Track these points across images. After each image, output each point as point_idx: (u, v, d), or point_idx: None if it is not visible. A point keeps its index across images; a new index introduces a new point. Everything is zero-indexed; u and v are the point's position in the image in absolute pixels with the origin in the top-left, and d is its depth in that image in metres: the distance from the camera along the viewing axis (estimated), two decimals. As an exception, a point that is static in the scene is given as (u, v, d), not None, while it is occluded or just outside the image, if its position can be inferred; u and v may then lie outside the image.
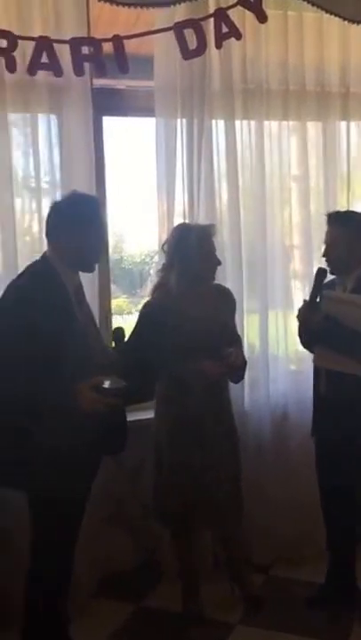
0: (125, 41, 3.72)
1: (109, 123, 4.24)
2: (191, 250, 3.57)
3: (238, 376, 3.77)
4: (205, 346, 3.53)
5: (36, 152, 3.82)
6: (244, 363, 3.73)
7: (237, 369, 3.66)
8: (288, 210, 4.35)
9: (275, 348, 4.26)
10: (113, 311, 4.41)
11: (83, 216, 3.08)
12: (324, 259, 3.72)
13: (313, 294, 3.61)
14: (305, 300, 3.67)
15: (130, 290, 4.99)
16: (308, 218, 4.37)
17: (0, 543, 3.74)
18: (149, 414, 3.82)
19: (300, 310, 3.68)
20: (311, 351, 3.85)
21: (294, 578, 4.19)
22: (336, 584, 3.90)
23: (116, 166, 4.36)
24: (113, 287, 4.74)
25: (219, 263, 3.70)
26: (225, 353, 3.53)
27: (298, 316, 3.70)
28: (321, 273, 3.63)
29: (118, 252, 5.02)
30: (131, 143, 4.54)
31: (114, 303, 4.55)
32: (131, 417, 3.65)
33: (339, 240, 3.64)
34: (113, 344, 3.36)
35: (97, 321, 3.61)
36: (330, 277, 3.71)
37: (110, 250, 4.36)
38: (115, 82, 4.11)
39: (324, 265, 3.70)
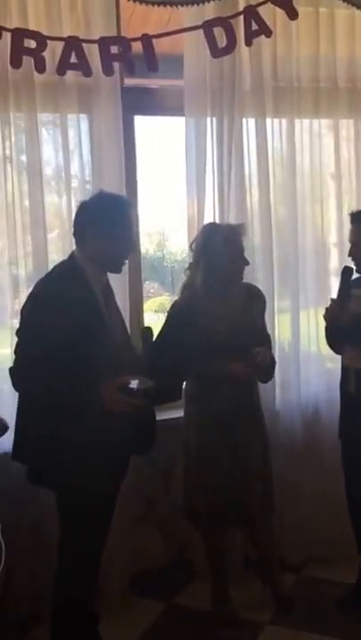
0: (158, 41, 3.74)
1: (142, 122, 4.25)
2: (217, 250, 3.55)
3: (267, 375, 3.75)
4: (232, 345, 3.51)
5: (67, 152, 3.84)
6: (273, 362, 3.72)
7: (265, 368, 3.64)
8: (320, 208, 4.30)
9: (306, 347, 4.22)
10: (156, 309, 4.42)
11: (109, 216, 3.08)
12: (350, 258, 3.70)
13: (341, 293, 3.59)
14: (332, 300, 3.64)
15: (172, 288, 4.99)
16: (340, 216, 4.32)
17: (31, 540, 3.79)
18: (181, 413, 3.82)
19: (328, 310, 3.65)
20: (336, 352, 3.84)
21: (326, 578, 4.15)
22: None
23: (149, 165, 4.37)
24: (156, 285, 4.75)
25: (246, 263, 3.67)
26: (252, 353, 3.52)
27: (325, 316, 3.68)
28: (347, 271, 3.60)
29: (161, 250, 5.03)
30: (163, 142, 4.54)
31: (157, 301, 4.56)
32: (163, 416, 3.69)
33: None
34: (141, 344, 3.36)
35: (127, 321, 3.63)
36: (356, 276, 3.68)
37: (153, 248, 4.36)
38: (147, 81, 4.12)
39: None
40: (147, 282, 4.95)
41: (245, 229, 3.74)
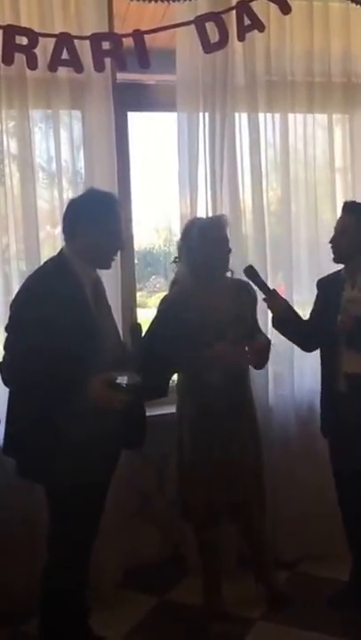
0: (153, 36, 3.75)
1: (135, 118, 4.25)
2: (193, 241, 3.57)
3: (262, 362, 3.75)
4: (221, 338, 3.51)
5: (59, 148, 3.85)
6: (268, 342, 3.74)
7: (261, 352, 3.66)
8: (314, 204, 4.28)
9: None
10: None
11: (98, 213, 3.09)
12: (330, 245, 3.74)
13: (262, 289, 3.73)
14: (263, 299, 3.75)
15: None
16: (334, 211, 4.26)
17: (26, 535, 3.81)
18: (174, 409, 3.80)
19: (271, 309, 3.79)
20: (292, 340, 3.97)
21: (320, 575, 4.14)
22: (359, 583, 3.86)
23: (145, 161, 4.38)
24: (162, 280, 4.76)
25: (229, 251, 3.66)
26: (256, 340, 3.61)
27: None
28: (249, 271, 3.71)
29: (167, 246, 5.03)
30: (157, 138, 4.55)
31: (163, 296, 4.57)
32: (157, 411, 3.72)
33: (346, 229, 3.64)
34: (130, 339, 3.37)
35: (119, 317, 3.64)
36: (336, 268, 3.75)
37: (160, 243, 4.37)
38: (139, 77, 4.12)
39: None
40: (153, 277, 4.97)
41: (225, 221, 3.72)
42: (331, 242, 3.71)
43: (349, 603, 3.82)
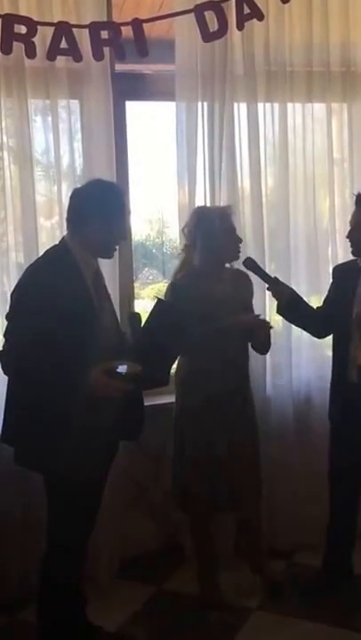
0: (152, 25, 3.74)
1: (134, 107, 4.24)
2: (213, 226, 3.60)
3: (266, 345, 3.78)
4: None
5: (57, 137, 3.83)
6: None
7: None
8: (312, 194, 4.26)
9: (298, 332, 4.18)
10: (155, 295, 4.44)
11: (106, 205, 3.07)
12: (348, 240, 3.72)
13: (264, 278, 3.77)
14: (267, 288, 3.78)
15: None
16: (333, 201, 4.28)
17: (21, 524, 3.81)
18: (171, 399, 3.83)
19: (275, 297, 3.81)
20: (301, 327, 4.00)
21: (317, 565, 4.08)
22: (333, 570, 3.90)
23: (143, 151, 4.37)
24: (155, 272, 4.75)
25: (240, 241, 3.72)
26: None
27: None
28: (249, 262, 3.74)
29: (160, 237, 5.03)
30: (156, 128, 4.54)
31: (156, 288, 4.57)
32: (153, 402, 3.69)
33: (359, 222, 3.60)
34: (129, 329, 3.36)
35: (117, 306, 3.63)
36: (351, 258, 3.73)
37: (153, 235, 4.38)
38: (138, 66, 4.11)
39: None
40: (146, 268, 4.97)
41: (233, 210, 3.78)
42: (348, 237, 3.69)
43: (322, 590, 3.86)
